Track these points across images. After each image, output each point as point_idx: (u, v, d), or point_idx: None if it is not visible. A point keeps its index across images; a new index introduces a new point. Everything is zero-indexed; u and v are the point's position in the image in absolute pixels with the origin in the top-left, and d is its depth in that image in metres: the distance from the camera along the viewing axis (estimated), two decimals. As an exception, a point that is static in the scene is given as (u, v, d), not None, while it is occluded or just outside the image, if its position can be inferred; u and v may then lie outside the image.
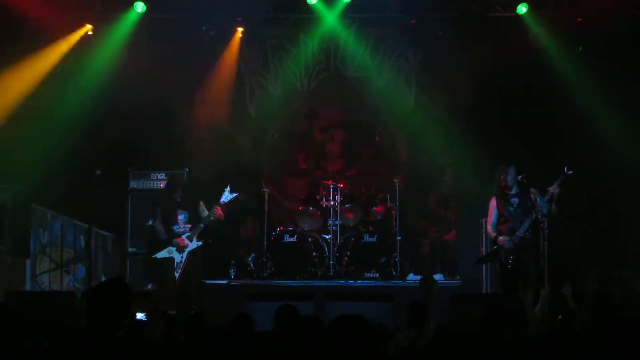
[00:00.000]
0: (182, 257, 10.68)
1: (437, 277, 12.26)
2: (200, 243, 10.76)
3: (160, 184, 12.36)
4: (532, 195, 9.91)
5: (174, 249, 10.70)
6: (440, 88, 13.71)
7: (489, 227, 10.16)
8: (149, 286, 11.46)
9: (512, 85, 12.93)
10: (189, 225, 10.78)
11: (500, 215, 10.07)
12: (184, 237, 10.71)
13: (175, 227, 10.80)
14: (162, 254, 10.74)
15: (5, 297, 9.56)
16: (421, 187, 13.98)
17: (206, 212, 10.77)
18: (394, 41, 13.98)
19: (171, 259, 10.69)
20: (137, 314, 7.15)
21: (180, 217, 10.82)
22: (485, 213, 10.44)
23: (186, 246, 10.70)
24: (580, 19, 12.58)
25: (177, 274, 10.61)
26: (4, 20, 12.07)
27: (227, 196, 10.68)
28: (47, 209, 11.99)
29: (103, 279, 11.66)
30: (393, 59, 14.06)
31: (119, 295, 4.52)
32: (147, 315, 7.18)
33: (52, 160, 12.14)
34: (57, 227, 12.10)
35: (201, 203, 10.96)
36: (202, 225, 10.71)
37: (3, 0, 11.84)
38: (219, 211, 10.69)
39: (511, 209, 9.98)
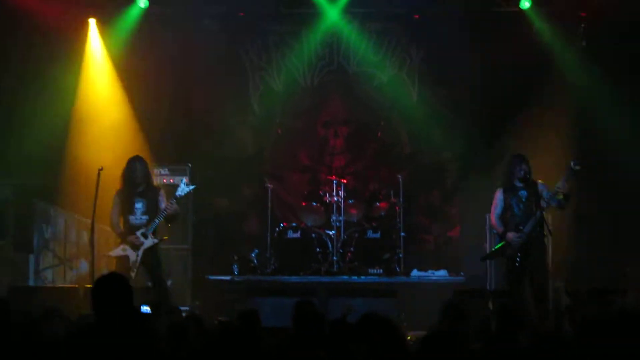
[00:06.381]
0: (137, 255, 10.00)
1: (441, 273, 12.27)
2: (156, 240, 10.08)
3: (164, 179, 12.24)
4: (539, 189, 9.78)
5: (128, 247, 10.04)
6: (443, 83, 13.69)
7: (493, 218, 9.99)
8: (148, 283, 10.96)
9: (515, 80, 12.90)
10: (147, 217, 10.09)
11: (506, 208, 9.89)
12: (138, 234, 10.01)
13: (132, 218, 10.11)
14: (116, 252, 10.08)
15: (8, 293, 9.57)
16: (424, 182, 13.94)
17: (164, 204, 10.09)
18: (397, 36, 13.97)
19: (126, 257, 10.02)
20: (142, 306, 7.12)
21: (138, 206, 10.10)
22: (489, 209, 10.34)
23: (141, 244, 10.02)
24: (583, 14, 12.58)
25: (133, 274, 9.87)
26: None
27: (183, 189, 10.10)
28: (50, 205, 11.97)
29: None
30: (396, 54, 14.05)
31: (119, 289, 4.52)
32: (151, 309, 7.15)
33: (55, 156, 12.12)
34: (61, 223, 12.10)
35: (162, 192, 10.34)
36: (157, 220, 10.03)
37: None
38: (175, 205, 10.09)
39: (519, 202, 9.80)
